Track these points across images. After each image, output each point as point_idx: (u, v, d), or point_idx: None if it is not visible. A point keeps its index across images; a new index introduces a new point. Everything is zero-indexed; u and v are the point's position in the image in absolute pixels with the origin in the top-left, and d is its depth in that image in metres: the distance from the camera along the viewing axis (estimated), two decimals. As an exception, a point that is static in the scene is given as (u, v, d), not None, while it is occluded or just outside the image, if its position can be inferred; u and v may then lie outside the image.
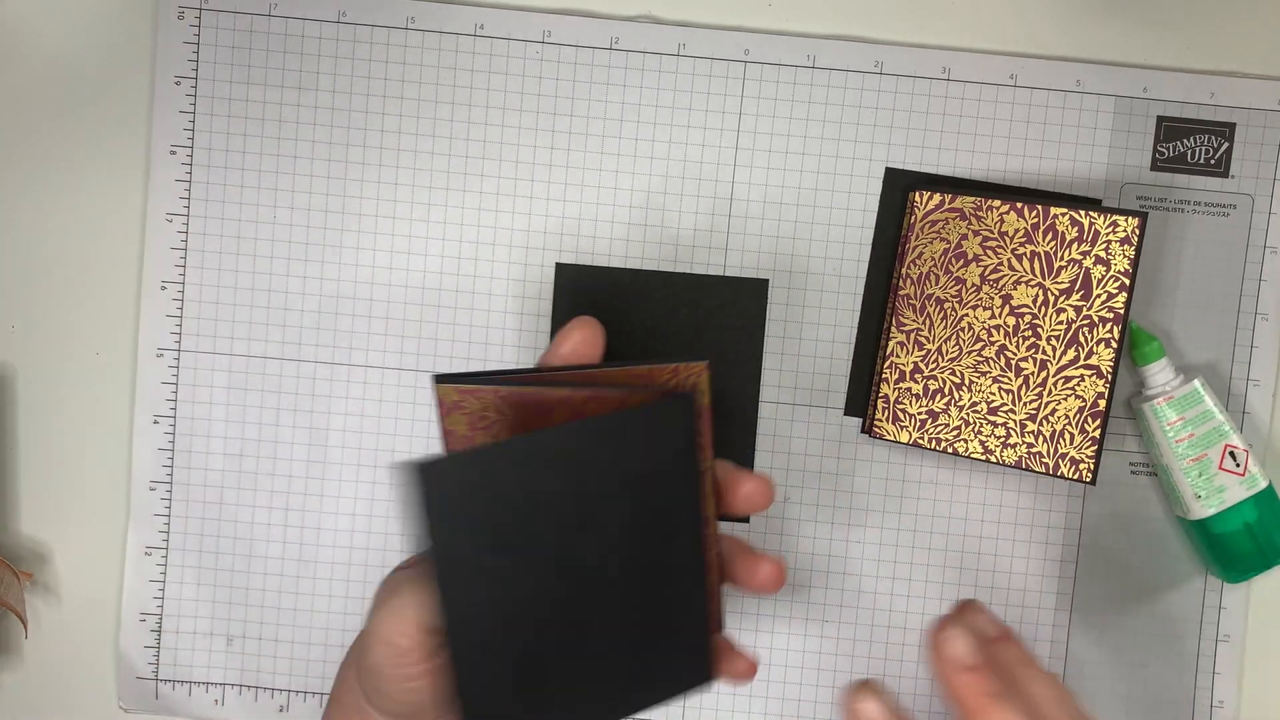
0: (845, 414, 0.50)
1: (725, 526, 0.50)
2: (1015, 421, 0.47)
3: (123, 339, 0.50)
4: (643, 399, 0.38)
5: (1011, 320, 0.47)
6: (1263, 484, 0.47)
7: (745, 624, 0.50)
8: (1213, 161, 0.50)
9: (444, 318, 0.50)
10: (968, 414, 0.48)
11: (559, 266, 0.50)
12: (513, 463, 0.37)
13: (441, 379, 0.38)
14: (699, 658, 0.40)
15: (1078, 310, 0.47)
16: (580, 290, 0.50)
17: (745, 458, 0.50)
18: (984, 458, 0.48)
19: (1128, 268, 0.46)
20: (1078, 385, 0.47)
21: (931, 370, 0.48)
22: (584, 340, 0.40)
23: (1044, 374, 0.47)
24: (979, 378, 0.48)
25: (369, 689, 0.41)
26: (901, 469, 0.50)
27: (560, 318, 0.50)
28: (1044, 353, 0.47)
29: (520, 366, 0.39)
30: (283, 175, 0.49)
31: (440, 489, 0.36)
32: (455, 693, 0.38)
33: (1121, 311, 0.46)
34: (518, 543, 0.37)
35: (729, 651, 0.41)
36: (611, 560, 0.38)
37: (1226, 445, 0.47)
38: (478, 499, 0.36)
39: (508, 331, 0.50)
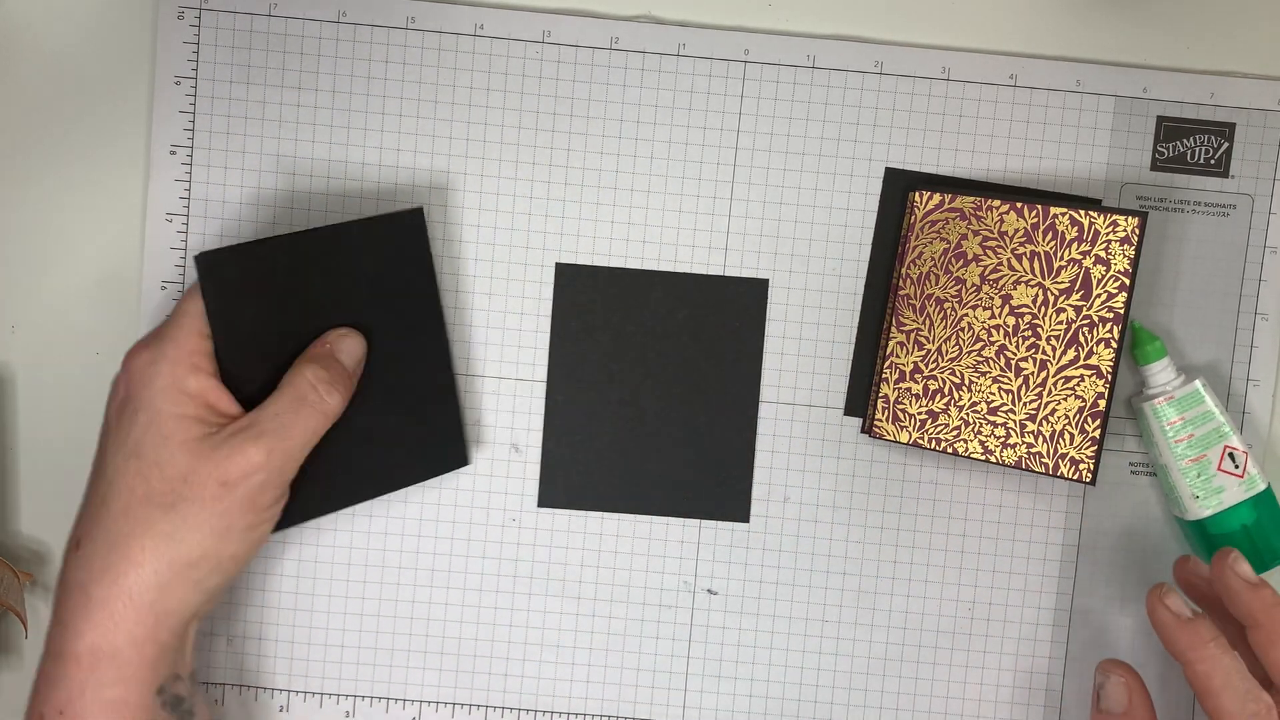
0: (845, 414, 0.50)
1: (723, 524, 0.50)
2: (1015, 421, 0.47)
3: (123, 339, 0.50)
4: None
5: (1011, 320, 0.47)
6: (1261, 486, 0.47)
7: (745, 623, 0.50)
8: (1212, 161, 0.50)
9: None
10: (968, 414, 0.48)
11: (559, 266, 0.50)
12: (279, 256, 0.43)
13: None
14: (456, 443, 0.48)
15: (1078, 310, 0.47)
16: (580, 290, 0.50)
17: (745, 458, 0.50)
18: (984, 458, 0.48)
19: (1128, 267, 0.46)
20: (1077, 385, 0.47)
21: (931, 370, 0.48)
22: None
23: (1044, 374, 0.47)
24: (979, 378, 0.48)
25: (155, 474, 0.41)
26: (901, 469, 0.50)
27: (560, 318, 0.50)
28: (1044, 353, 0.47)
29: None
30: (283, 175, 0.49)
31: (217, 276, 0.42)
32: None
33: (1121, 311, 0.46)
34: (287, 329, 0.43)
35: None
36: (371, 356, 0.45)
37: (1226, 446, 0.47)
38: (250, 287, 0.43)
39: (507, 331, 0.50)
